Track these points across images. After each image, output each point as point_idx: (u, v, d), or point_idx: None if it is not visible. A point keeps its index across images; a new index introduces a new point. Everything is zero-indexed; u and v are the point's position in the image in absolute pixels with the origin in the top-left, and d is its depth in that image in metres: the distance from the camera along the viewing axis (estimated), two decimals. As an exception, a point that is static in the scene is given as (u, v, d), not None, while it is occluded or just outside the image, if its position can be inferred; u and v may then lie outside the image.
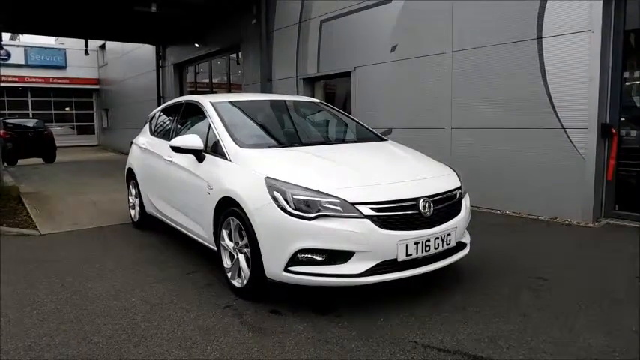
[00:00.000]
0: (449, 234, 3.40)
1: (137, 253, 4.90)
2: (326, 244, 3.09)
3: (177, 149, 4.20)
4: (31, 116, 24.26)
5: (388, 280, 3.17)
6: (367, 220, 3.09)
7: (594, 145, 5.52)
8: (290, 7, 9.94)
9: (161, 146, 5.07)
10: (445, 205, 3.47)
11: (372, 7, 8.07)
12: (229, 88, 13.66)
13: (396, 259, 3.15)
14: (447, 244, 3.41)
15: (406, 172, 3.71)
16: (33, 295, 3.72)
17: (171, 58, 16.21)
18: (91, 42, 19.87)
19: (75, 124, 28.54)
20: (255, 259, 3.32)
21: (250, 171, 3.53)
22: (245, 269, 3.49)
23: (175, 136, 4.57)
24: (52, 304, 3.55)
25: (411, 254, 3.19)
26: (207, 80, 15.18)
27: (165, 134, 5.27)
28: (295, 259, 3.14)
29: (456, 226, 3.49)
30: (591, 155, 5.55)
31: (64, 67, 26.36)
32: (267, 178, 3.31)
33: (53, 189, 9.45)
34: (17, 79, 25.07)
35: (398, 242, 3.13)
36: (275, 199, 3.19)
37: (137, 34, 15.79)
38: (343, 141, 4.90)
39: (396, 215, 3.18)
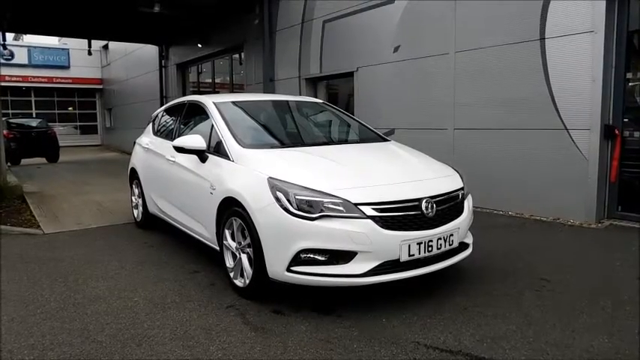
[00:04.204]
0: (451, 234, 3.40)
1: (140, 252, 4.91)
2: (328, 245, 3.09)
3: (180, 149, 4.21)
4: (34, 116, 24.35)
5: (390, 281, 3.17)
6: (370, 221, 3.10)
7: (597, 145, 5.52)
8: (293, 8, 9.95)
9: (164, 146, 5.08)
10: (448, 206, 3.47)
11: (375, 8, 8.07)
12: (232, 88, 13.67)
13: (399, 259, 3.16)
14: (450, 245, 3.41)
15: (408, 173, 3.71)
16: (36, 294, 3.74)
17: (174, 58, 16.24)
18: (94, 42, 19.94)
19: (78, 123, 28.60)
20: (258, 259, 3.32)
21: (253, 171, 3.53)
22: (248, 269, 3.49)
23: (178, 136, 4.58)
24: (55, 303, 3.56)
25: (413, 255, 3.19)
26: (209, 80, 15.21)
27: (168, 134, 5.29)
28: (298, 259, 3.14)
29: (459, 227, 3.49)
30: (594, 156, 5.54)
31: (67, 67, 26.43)
32: (270, 178, 3.32)
33: (56, 188, 9.48)
34: (21, 79, 25.16)
35: (400, 243, 3.13)
36: (278, 199, 3.20)
37: (140, 34, 15.83)
38: (346, 141, 4.91)
39: (399, 216, 3.19)
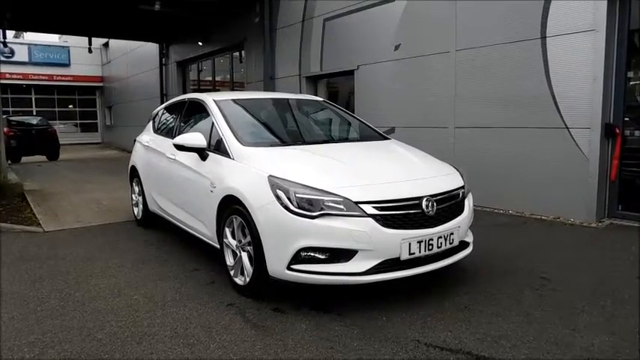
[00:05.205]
0: (452, 233, 3.40)
1: (140, 250, 4.91)
2: (329, 243, 3.09)
3: (180, 147, 4.21)
4: (34, 114, 24.37)
5: (391, 279, 3.17)
6: (370, 219, 3.09)
7: (598, 144, 5.51)
8: (293, 6, 9.94)
9: (164, 144, 5.08)
10: (448, 205, 3.46)
11: (376, 6, 8.05)
12: (232, 86, 13.66)
13: (399, 257, 3.15)
14: (450, 244, 3.41)
15: (409, 171, 3.71)
16: (36, 292, 3.74)
17: (175, 56, 16.22)
18: (94, 40, 19.91)
19: (78, 121, 28.63)
20: (258, 258, 3.32)
21: (253, 169, 3.53)
22: (248, 267, 3.49)
23: (179, 134, 4.56)
24: (55, 301, 3.56)
25: (413, 253, 3.19)
26: (210, 78, 15.20)
27: (169, 132, 5.28)
28: (298, 258, 3.14)
29: (459, 226, 3.49)
30: (595, 155, 5.54)
31: (67, 65, 26.44)
32: (271, 176, 3.31)
33: (57, 186, 9.48)
34: (21, 77, 25.17)
35: (401, 241, 3.13)
36: (278, 198, 3.19)
37: (141, 32, 15.81)
38: (346, 140, 4.90)
39: (399, 214, 3.18)
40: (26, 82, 25.76)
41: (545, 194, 5.96)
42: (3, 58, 21.91)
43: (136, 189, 6.00)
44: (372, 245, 3.08)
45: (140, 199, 5.85)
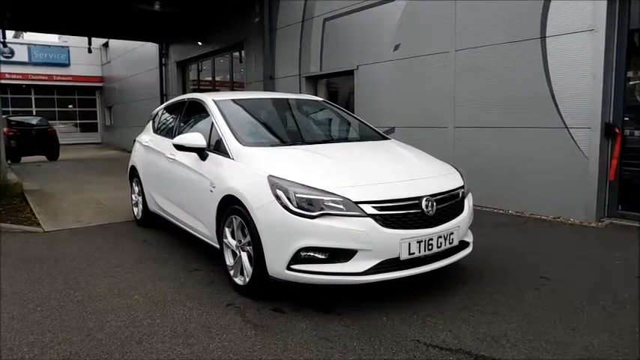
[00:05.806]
0: (451, 233, 3.40)
1: (140, 250, 4.91)
2: (328, 243, 3.09)
3: (180, 147, 4.21)
4: (34, 114, 24.37)
5: (391, 279, 3.17)
6: (370, 219, 3.09)
7: (597, 144, 5.51)
8: (293, 6, 9.94)
9: (164, 144, 5.08)
10: (448, 204, 3.46)
11: (375, 6, 8.06)
12: (232, 86, 13.66)
13: (399, 257, 3.15)
14: (450, 243, 3.41)
15: (409, 171, 3.70)
16: (36, 292, 3.73)
17: (175, 56, 16.23)
18: (94, 40, 19.91)
19: (78, 121, 28.64)
20: (258, 257, 3.32)
21: (253, 169, 3.53)
22: (247, 267, 3.49)
23: (178, 134, 4.56)
24: (55, 301, 3.56)
25: (413, 253, 3.19)
26: (210, 78, 15.20)
27: (169, 132, 5.28)
28: (298, 258, 3.14)
29: (459, 225, 3.49)
30: (594, 155, 5.54)
31: (67, 65, 26.44)
32: (270, 176, 3.31)
33: (56, 186, 9.48)
34: (21, 77, 25.18)
35: (400, 241, 3.12)
36: (278, 197, 3.19)
37: (140, 32, 15.82)
38: (346, 139, 4.90)
39: (399, 214, 3.18)
40: (26, 82, 25.77)
41: (545, 194, 5.96)
42: (3, 58, 21.91)
43: (136, 189, 6.00)
44: (372, 245, 3.08)
45: (140, 199, 5.85)
